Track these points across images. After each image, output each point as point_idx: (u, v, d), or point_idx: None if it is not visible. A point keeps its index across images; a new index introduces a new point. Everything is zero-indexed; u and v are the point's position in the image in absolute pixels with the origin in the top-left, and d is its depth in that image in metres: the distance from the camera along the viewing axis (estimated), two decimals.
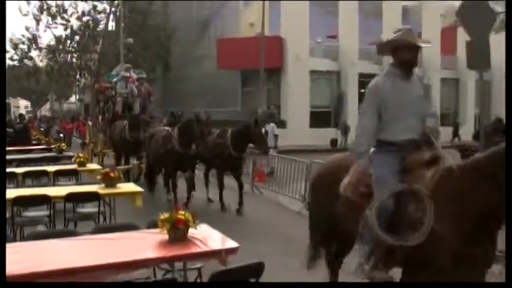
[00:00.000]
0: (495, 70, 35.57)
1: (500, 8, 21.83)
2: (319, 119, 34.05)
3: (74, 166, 9.95)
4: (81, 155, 10.66)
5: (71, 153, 13.54)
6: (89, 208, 7.53)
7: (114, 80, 16.27)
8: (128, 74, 15.77)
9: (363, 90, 35.28)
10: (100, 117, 17.22)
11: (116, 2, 36.46)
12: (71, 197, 6.87)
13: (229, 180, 11.31)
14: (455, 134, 33.73)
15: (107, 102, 16.40)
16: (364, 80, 35.37)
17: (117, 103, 15.22)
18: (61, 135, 26.45)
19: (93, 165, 10.73)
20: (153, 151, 11.44)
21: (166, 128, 11.73)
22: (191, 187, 10.88)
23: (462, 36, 9.07)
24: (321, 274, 5.51)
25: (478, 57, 8.60)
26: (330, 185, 4.77)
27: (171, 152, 10.38)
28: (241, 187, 10.66)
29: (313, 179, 5.84)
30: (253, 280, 3.91)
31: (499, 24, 21.39)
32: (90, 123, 19.04)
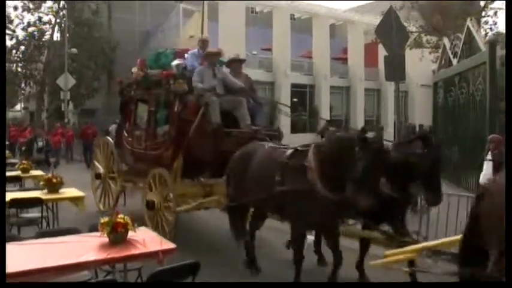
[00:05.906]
0: (412, 81, 36.92)
1: (414, 27, 22.75)
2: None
3: (17, 173, 9.64)
4: (24, 162, 10.08)
5: (15, 160, 13.01)
6: (33, 213, 7.28)
7: (175, 63, 8.76)
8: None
9: (295, 99, 35.89)
10: (145, 132, 8.72)
11: (61, 13, 35.46)
12: (14, 203, 6.65)
13: None
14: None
15: (170, 104, 8.14)
16: (296, 89, 35.97)
17: (211, 107, 7.44)
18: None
19: (37, 172, 10.18)
20: None
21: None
22: None
23: (383, 51, 9.36)
24: None
25: (394, 70, 8.93)
26: None
27: None
28: None
29: None
30: (190, 278, 3.91)
31: (413, 42, 22.33)
32: (110, 138, 10.38)
